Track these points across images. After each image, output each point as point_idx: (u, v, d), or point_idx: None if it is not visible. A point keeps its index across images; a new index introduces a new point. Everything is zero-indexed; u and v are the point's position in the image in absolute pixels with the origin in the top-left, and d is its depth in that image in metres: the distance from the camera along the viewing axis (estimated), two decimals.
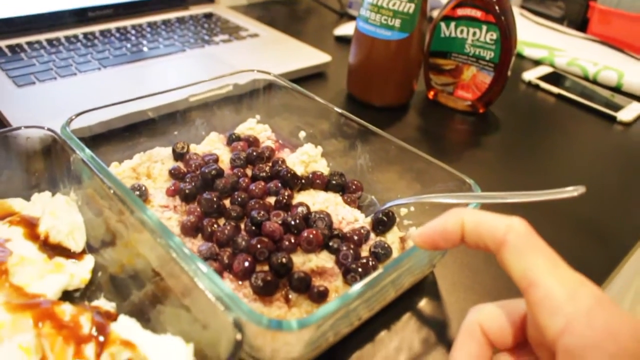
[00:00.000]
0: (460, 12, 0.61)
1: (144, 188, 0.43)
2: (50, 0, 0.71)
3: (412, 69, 0.63)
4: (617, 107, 0.73)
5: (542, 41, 0.92)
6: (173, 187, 0.44)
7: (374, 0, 0.58)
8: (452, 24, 0.62)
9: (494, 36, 0.60)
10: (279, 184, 0.44)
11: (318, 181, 0.45)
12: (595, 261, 0.46)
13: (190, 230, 0.40)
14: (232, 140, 0.50)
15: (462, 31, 0.62)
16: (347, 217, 0.42)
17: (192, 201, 0.43)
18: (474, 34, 0.61)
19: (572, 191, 0.34)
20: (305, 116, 0.50)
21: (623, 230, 0.50)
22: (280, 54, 0.71)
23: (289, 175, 0.44)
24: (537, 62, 0.87)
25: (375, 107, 0.65)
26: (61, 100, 0.56)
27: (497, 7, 0.59)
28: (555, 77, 0.80)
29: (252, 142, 0.50)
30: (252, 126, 0.52)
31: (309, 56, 0.71)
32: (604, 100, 0.75)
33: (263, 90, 0.52)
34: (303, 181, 0.45)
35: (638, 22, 0.95)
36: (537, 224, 0.47)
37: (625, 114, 0.71)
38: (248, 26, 0.79)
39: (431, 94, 0.69)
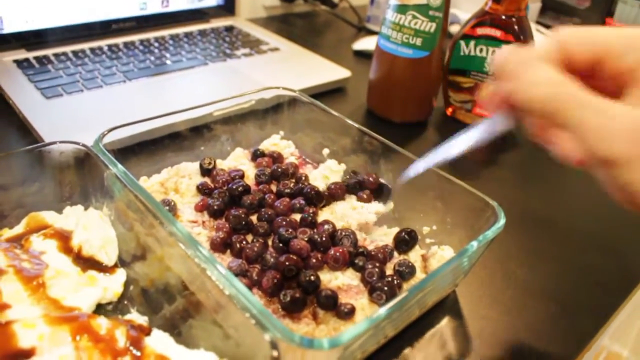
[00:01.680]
0: (480, 31, 0.62)
1: (173, 203, 0.44)
2: (75, 12, 0.72)
3: (432, 86, 0.64)
4: None
5: None
6: (201, 203, 0.45)
7: (396, 19, 0.59)
8: (472, 43, 0.63)
9: None
10: (303, 201, 0.45)
11: (339, 192, 0.46)
12: (614, 279, 0.46)
13: (220, 246, 0.41)
14: (256, 156, 0.52)
15: (481, 50, 0.63)
16: (369, 218, 0.43)
17: (220, 217, 0.44)
18: (493, 52, 0.62)
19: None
20: (328, 132, 0.51)
21: None
22: (301, 69, 0.72)
23: (312, 192, 0.45)
24: None
25: (395, 123, 0.66)
26: (89, 112, 0.57)
27: (516, 27, 0.60)
28: None
29: (276, 158, 0.51)
30: (276, 142, 0.53)
31: (329, 71, 0.73)
32: None
33: (287, 106, 0.54)
34: (327, 194, 0.46)
35: None
36: (554, 241, 0.48)
37: None
38: (268, 40, 0.80)
39: (449, 111, 0.70)
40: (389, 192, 0.46)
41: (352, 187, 0.47)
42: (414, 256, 0.42)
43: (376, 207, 0.44)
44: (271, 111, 0.54)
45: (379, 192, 0.47)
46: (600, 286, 0.46)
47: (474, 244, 0.36)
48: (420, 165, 0.39)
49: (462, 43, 0.64)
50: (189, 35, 0.79)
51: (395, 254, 0.42)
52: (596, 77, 0.30)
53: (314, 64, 0.75)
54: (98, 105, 0.59)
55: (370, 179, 0.47)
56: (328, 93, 0.71)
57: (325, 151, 0.52)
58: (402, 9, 0.59)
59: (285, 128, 0.54)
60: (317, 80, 0.70)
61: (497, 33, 0.61)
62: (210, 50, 0.75)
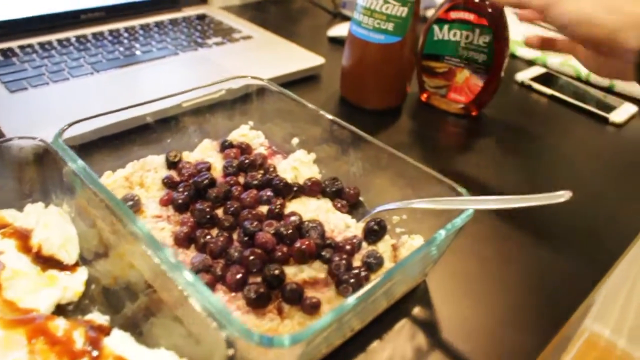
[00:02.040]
0: (454, 15, 0.61)
1: (136, 198, 0.43)
2: (42, 2, 0.70)
3: (405, 72, 0.63)
4: (610, 108, 0.73)
5: None
6: (166, 197, 0.44)
7: (367, 4, 0.58)
8: (446, 27, 0.62)
9: (487, 39, 0.60)
10: (271, 193, 0.44)
11: (314, 188, 0.46)
12: (588, 264, 0.46)
13: (184, 241, 0.40)
14: (225, 147, 0.51)
15: (455, 34, 0.62)
16: (339, 225, 0.43)
17: (185, 211, 0.43)
18: (467, 37, 0.61)
19: (559, 196, 0.35)
20: (297, 122, 0.50)
21: (615, 233, 0.50)
22: (274, 57, 0.71)
23: (281, 184, 0.44)
24: (530, 62, 0.87)
25: (369, 110, 0.65)
26: (54, 106, 0.56)
27: (490, 10, 0.59)
28: (548, 78, 0.80)
29: (245, 149, 0.50)
30: (245, 132, 0.52)
31: (303, 59, 0.71)
32: (597, 101, 0.75)
33: (256, 96, 0.52)
34: (296, 189, 0.45)
35: None
36: (529, 228, 0.48)
37: (618, 115, 0.71)
38: (241, 28, 0.79)
39: (424, 97, 0.69)
40: (364, 211, 0.45)
41: (330, 194, 0.46)
42: (384, 246, 0.42)
43: (348, 220, 0.43)
44: (240, 101, 0.53)
45: (354, 206, 0.46)
46: (575, 270, 0.45)
47: (442, 232, 0.36)
48: (398, 204, 0.42)
49: (436, 27, 0.63)
50: (160, 25, 0.77)
51: (365, 244, 0.42)
52: None
53: (288, 51, 0.74)
54: (64, 98, 0.58)
55: (351, 191, 0.46)
56: (302, 81, 0.70)
57: (295, 141, 0.51)
58: None
59: (254, 118, 0.53)
60: (290, 68, 0.69)
61: (470, 17, 0.60)
62: (181, 40, 0.73)
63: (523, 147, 0.63)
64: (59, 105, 0.56)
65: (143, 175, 0.46)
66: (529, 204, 0.35)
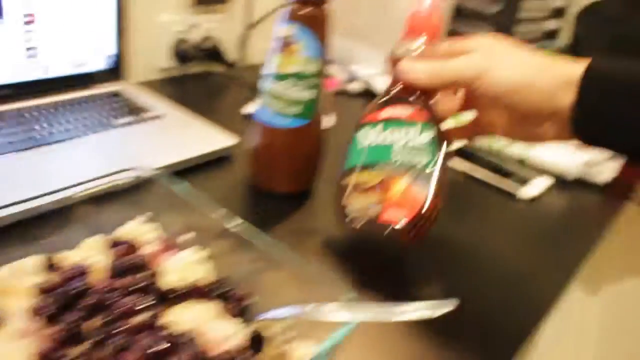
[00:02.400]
0: (385, 114, 0.51)
1: None
2: None
3: (314, 155, 0.63)
4: (524, 180, 0.74)
5: None
6: (35, 307, 0.40)
7: (273, 88, 0.57)
8: (374, 129, 0.51)
9: (430, 137, 0.49)
10: (148, 301, 0.41)
11: (199, 292, 0.43)
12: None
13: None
14: (112, 244, 0.48)
15: (386, 136, 0.50)
16: (218, 336, 0.40)
17: (54, 323, 0.40)
18: (404, 136, 0.50)
19: (448, 305, 0.34)
20: (191, 215, 0.48)
21: (524, 312, 0.50)
22: (183, 138, 0.70)
23: (157, 291, 0.41)
24: None
25: (279, 194, 0.63)
26: None
27: (429, 105, 0.50)
28: (463, 152, 0.81)
29: (132, 246, 0.47)
30: (136, 227, 0.49)
31: (214, 139, 0.70)
32: (512, 173, 0.76)
33: (148, 187, 0.50)
34: (177, 294, 0.42)
35: None
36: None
37: (527, 191, 0.72)
38: (154, 106, 0.77)
39: (348, 225, 0.53)
40: (250, 317, 0.43)
41: (217, 297, 0.43)
42: (266, 357, 0.39)
43: (231, 329, 0.41)
44: (130, 193, 0.50)
45: (243, 310, 0.44)
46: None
47: (317, 349, 0.34)
48: (285, 311, 0.39)
49: (360, 134, 0.52)
50: (70, 104, 0.75)
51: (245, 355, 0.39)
52: None
53: (199, 131, 0.72)
54: None
55: (238, 294, 0.43)
56: (215, 162, 0.69)
57: (187, 236, 0.48)
58: (278, 77, 0.57)
59: (147, 211, 0.51)
60: (198, 150, 0.67)
61: (406, 112, 0.50)
62: (88, 121, 0.71)
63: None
64: None
65: (14, 282, 0.43)
66: (420, 315, 0.34)
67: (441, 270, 0.56)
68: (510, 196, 0.72)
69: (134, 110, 0.75)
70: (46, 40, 0.74)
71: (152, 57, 0.91)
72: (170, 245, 0.49)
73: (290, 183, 0.63)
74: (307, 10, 0.54)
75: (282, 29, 0.55)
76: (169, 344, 0.37)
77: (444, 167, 0.49)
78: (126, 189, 0.50)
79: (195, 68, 0.96)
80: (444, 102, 0.52)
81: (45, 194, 0.46)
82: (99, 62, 0.82)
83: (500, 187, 0.73)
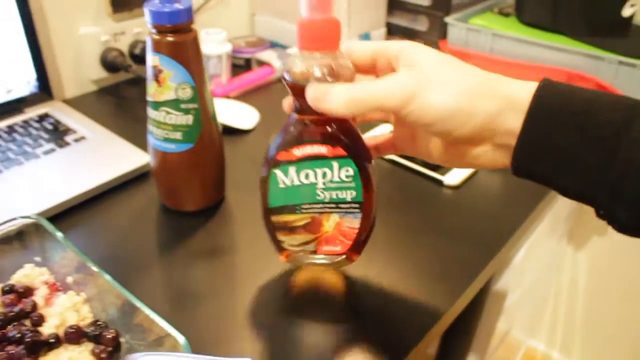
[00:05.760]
0: (299, 152, 0.46)
1: None
2: None
3: (209, 173, 0.65)
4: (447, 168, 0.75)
5: None
6: None
7: (153, 116, 0.59)
8: (292, 169, 0.47)
9: (351, 172, 0.47)
10: (23, 351, 0.44)
11: (73, 336, 0.46)
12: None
13: None
14: (5, 292, 0.51)
15: (307, 175, 0.47)
16: None
17: None
18: (324, 174, 0.47)
19: None
20: (73, 258, 0.51)
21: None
22: (102, 160, 0.72)
23: (31, 341, 0.45)
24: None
25: (187, 212, 0.65)
26: None
27: (344, 136, 0.46)
28: None
29: (23, 292, 0.51)
30: (28, 272, 0.53)
31: (133, 158, 0.72)
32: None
33: (35, 232, 0.53)
34: (52, 340, 0.46)
35: (489, 63, 0.97)
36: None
37: (453, 177, 0.72)
38: (78, 127, 0.80)
39: (284, 257, 0.55)
40: (117, 356, 0.46)
41: (91, 338, 0.47)
42: None
43: None
44: (20, 239, 0.53)
45: (116, 348, 0.46)
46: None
47: None
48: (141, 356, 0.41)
49: (279, 173, 0.48)
50: None
51: None
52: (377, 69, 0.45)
53: (117, 152, 0.74)
54: None
55: (109, 335, 0.46)
56: (135, 179, 0.71)
57: (69, 279, 0.51)
58: (155, 105, 0.58)
59: (38, 255, 0.54)
60: (117, 171, 0.70)
61: (322, 150, 0.46)
62: (9, 153, 0.73)
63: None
64: None
65: None
66: None
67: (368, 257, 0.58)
68: (438, 182, 0.72)
69: (58, 134, 0.78)
70: None
71: (82, 71, 0.93)
72: (57, 288, 0.52)
73: (194, 202, 0.65)
74: (169, 40, 0.55)
75: (149, 58, 0.56)
76: None
77: (372, 189, 0.48)
78: (15, 236, 0.53)
79: (128, 75, 0.97)
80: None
81: None
82: (24, 87, 0.84)
83: (428, 174, 0.73)
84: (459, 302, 0.55)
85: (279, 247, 0.53)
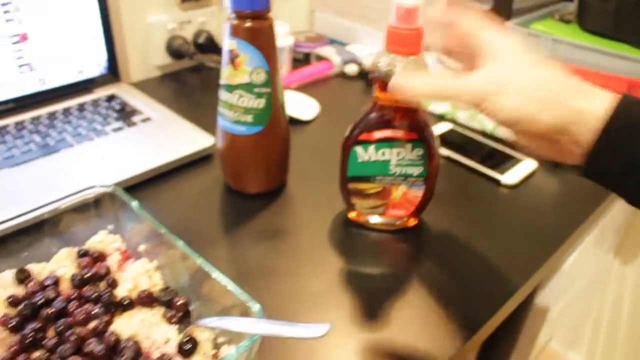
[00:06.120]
0: (379, 134, 0.56)
1: None
2: None
3: (274, 156, 0.66)
4: (514, 163, 0.75)
5: None
6: (3, 318, 0.47)
7: (225, 98, 0.61)
8: (371, 148, 0.56)
9: (421, 152, 0.56)
10: (100, 309, 0.46)
11: (145, 300, 0.48)
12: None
13: None
14: (80, 255, 0.53)
15: (384, 153, 0.57)
16: (158, 339, 0.45)
17: (19, 332, 0.46)
18: (399, 154, 0.57)
19: (318, 330, 0.37)
20: (145, 227, 0.53)
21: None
22: (165, 141, 0.74)
23: (107, 300, 0.47)
24: (439, 117, 0.89)
25: (250, 194, 0.67)
26: None
27: (417, 123, 0.55)
28: (452, 136, 0.82)
29: (97, 257, 0.53)
30: (101, 239, 0.55)
31: (194, 140, 0.74)
32: (500, 159, 0.77)
33: (110, 202, 0.55)
34: (126, 302, 0.48)
35: None
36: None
37: (512, 176, 0.73)
38: (145, 108, 0.82)
39: (352, 216, 0.64)
40: (188, 323, 0.47)
41: (162, 303, 0.49)
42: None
43: (170, 334, 0.46)
44: (95, 207, 0.55)
45: (183, 316, 0.48)
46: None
47: (232, 353, 0.39)
48: (213, 320, 0.44)
49: (359, 149, 0.57)
50: (66, 112, 0.81)
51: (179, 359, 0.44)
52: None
53: (181, 133, 0.77)
54: None
55: (179, 302, 0.48)
56: (198, 161, 0.73)
57: (142, 247, 0.54)
58: (229, 88, 0.61)
59: (111, 223, 0.56)
60: (181, 152, 0.72)
61: (399, 134, 0.56)
62: (81, 129, 0.77)
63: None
64: None
65: None
66: (291, 335, 0.38)
67: (424, 254, 0.60)
68: (495, 182, 0.73)
69: (125, 114, 0.81)
70: (40, 55, 0.80)
71: (148, 56, 0.96)
72: (129, 255, 0.54)
73: (258, 184, 0.67)
74: (247, 25, 0.57)
75: (227, 42, 0.58)
76: (114, 346, 0.43)
77: (435, 166, 0.58)
78: (92, 204, 0.55)
79: (191, 62, 1.00)
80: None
81: (24, 213, 0.52)
82: (95, 68, 0.87)
83: (485, 172, 0.74)
84: (505, 308, 0.55)
85: (352, 209, 0.63)
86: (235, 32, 0.57)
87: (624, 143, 0.38)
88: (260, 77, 0.59)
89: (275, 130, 0.63)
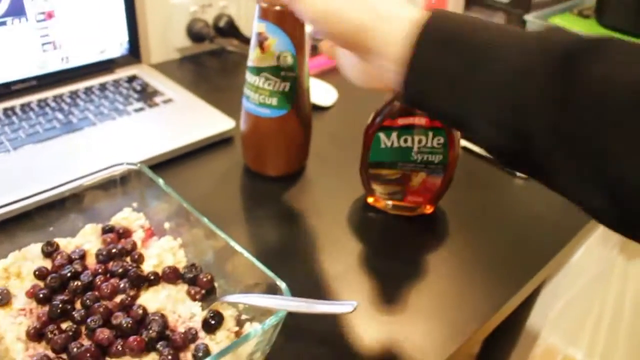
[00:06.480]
0: (402, 121, 0.57)
1: (5, 291, 0.47)
2: None
3: (297, 140, 0.67)
4: None
5: None
6: (32, 289, 0.48)
7: (251, 81, 0.62)
8: (394, 134, 0.58)
9: (441, 140, 0.58)
10: (126, 283, 0.48)
11: (171, 276, 0.49)
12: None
13: (34, 336, 0.44)
14: (105, 231, 0.54)
15: (406, 140, 0.58)
16: (183, 314, 0.46)
17: (47, 304, 0.47)
18: (420, 141, 0.58)
19: (347, 306, 0.38)
20: (171, 205, 0.54)
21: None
22: (189, 122, 0.75)
23: (134, 275, 0.48)
24: None
25: (271, 176, 0.68)
26: None
27: None
28: None
29: (122, 233, 0.54)
30: (126, 216, 0.56)
31: (215, 123, 0.75)
32: None
33: (136, 179, 0.56)
34: (152, 278, 0.49)
35: None
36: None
37: None
38: (165, 90, 0.83)
39: (371, 200, 0.65)
40: (213, 299, 0.48)
41: (187, 280, 0.50)
42: (222, 336, 0.45)
43: (195, 309, 0.47)
44: (121, 184, 0.56)
45: (210, 291, 0.49)
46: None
47: (257, 329, 0.40)
48: (238, 297, 0.45)
49: (382, 135, 0.58)
50: (88, 91, 0.82)
51: (203, 334, 0.45)
52: None
53: (202, 115, 0.77)
54: None
55: (205, 279, 0.49)
56: (219, 143, 0.74)
57: (166, 225, 0.55)
58: (255, 70, 0.61)
59: (136, 200, 0.57)
60: (202, 134, 0.73)
61: (422, 121, 0.57)
62: (103, 108, 0.77)
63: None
64: None
65: (21, 265, 0.51)
66: (320, 311, 0.39)
67: (439, 240, 0.61)
68: (510, 172, 0.73)
69: (147, 95, 0.81)
70: (65, 33, 0.81)
71: (169, 39, 0.97)
72: (152, 233, 0.55)
73: (278, 167, 0.68)
74: (277, 8, 0.57)
75: (256, 25, 0.59)
76: (141, 320, 0.44)
77: (455, 154, 0.59)
78: (116, 180, 0.56)
79: (211, 46, 1.00)
80: None
81: (51, 188, 0.53)
82: (116, 48, 0.88)
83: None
84: (513, 299, 0.55)
85: (371, 194, 0.63)
86: (265, 15, 0.58)
87: (440, 55, 0.37)
88: (287, 60, 0.59)
89: (299, 114, 0.64)
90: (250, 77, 0.62)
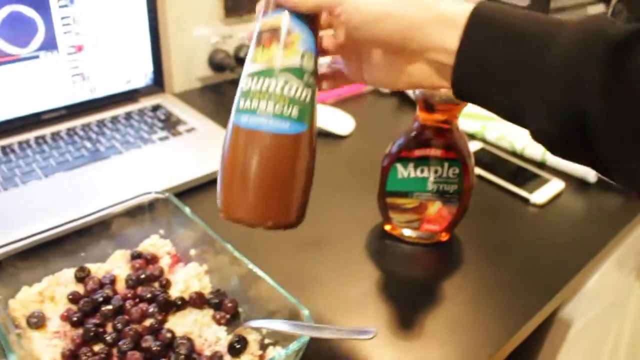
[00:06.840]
0: (419, 152, 0.60)
1: (40, 314, 0.50)
2: (5, 107, 0.78)
3: (310, 171, 0.46)
4: (539, 184, 0.77)
5: (477, 110, 0.97)
6: (66, 313, 0.50)
7: (260, 85, 0.43)
8: (411, 165, 0.61)
9: (457, 170, 0.60)
10: (155, 308, 0.50)
11: (197, 302, 0.52)
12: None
13: (69, 358, 0.46)
14: (133, 257, 0.57)
15: (422, 170, 0.61)
16: (209, 338, 0.48)
17: (80, 327, 0.49)
18: (436, 171, 0.61)
19: (368, 333, 0.40)
20: (196, 233, 0.57)
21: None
22: (208, 151, 0.77)
23: (163, 300, 0.50)
24: (470, 136, 0.92)
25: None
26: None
27: (455, 143, 0.60)
28: (482, 155, 0.85)
29: (150, 260, 0.57)
30: (154, 242, 0.58)
31: None
32: (528, 178, 0.79)
33: (163, 207, 0.59)
34: (180, 303, 0.51)
35: None
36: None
37: (540, 195, 0.75)
38: (188, 119, 0.86)
39: (389, 228, 0.67)
40: (238, 322, 0.50)
41: (212, 305, 0.52)
42: (246, 359, 0.47)
43: (220, 334, 0.49)
44: (149, 212, 0.59)
45: (235, 316, 0.51)
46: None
47: (281, 353, 0.42)
48: (266, 323, 0.47)
49: (399, 166, 0.61)
50: (114, 120, 0.85)
51: (229, 358, 0.47)
52: None
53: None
54: (10, 207, 0.65)
55: (229, 304, 0.51)
56: None
57: (192, 252, 0.57)
58: (268, 73, 0.43)
59: (163, 227, 0.60)
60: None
61: (437, 152, 0.60)
62: (129, 137, 0.81)
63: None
64: (5, 215, 0.63)
65: (55, 289, 0.53)
66: (341, 337, 0.41)
67: (455, 267, 0.63)
68: (524, 200, 0.75)
69: (170, 124, 0.85)
70: (93, 65, 0.84)
71: (191, 69, 1.00)
72: (179, 259, 0.57)
73: (283, 210, 0.48)
74: (310, 4, 0.44)
75: (273, 17, 0.44)
76: (169, 343, 0.46)
77: (470, 184, 0.61)
78: (144, 207, 0.59)
79: (232, 75, 1.04)
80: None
81: (83, 217, 0.56)
82: (141, 79, 0.92)
83: (514, 191, 0.76)
84: (530, 323, 0.57)
85: (388, 222, 0.66)
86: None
87: (491, 46, 0.37)
88: (310, 63, 0.44)
89: (313, 138, 0.45)
90: (259, 83, 0.43)
